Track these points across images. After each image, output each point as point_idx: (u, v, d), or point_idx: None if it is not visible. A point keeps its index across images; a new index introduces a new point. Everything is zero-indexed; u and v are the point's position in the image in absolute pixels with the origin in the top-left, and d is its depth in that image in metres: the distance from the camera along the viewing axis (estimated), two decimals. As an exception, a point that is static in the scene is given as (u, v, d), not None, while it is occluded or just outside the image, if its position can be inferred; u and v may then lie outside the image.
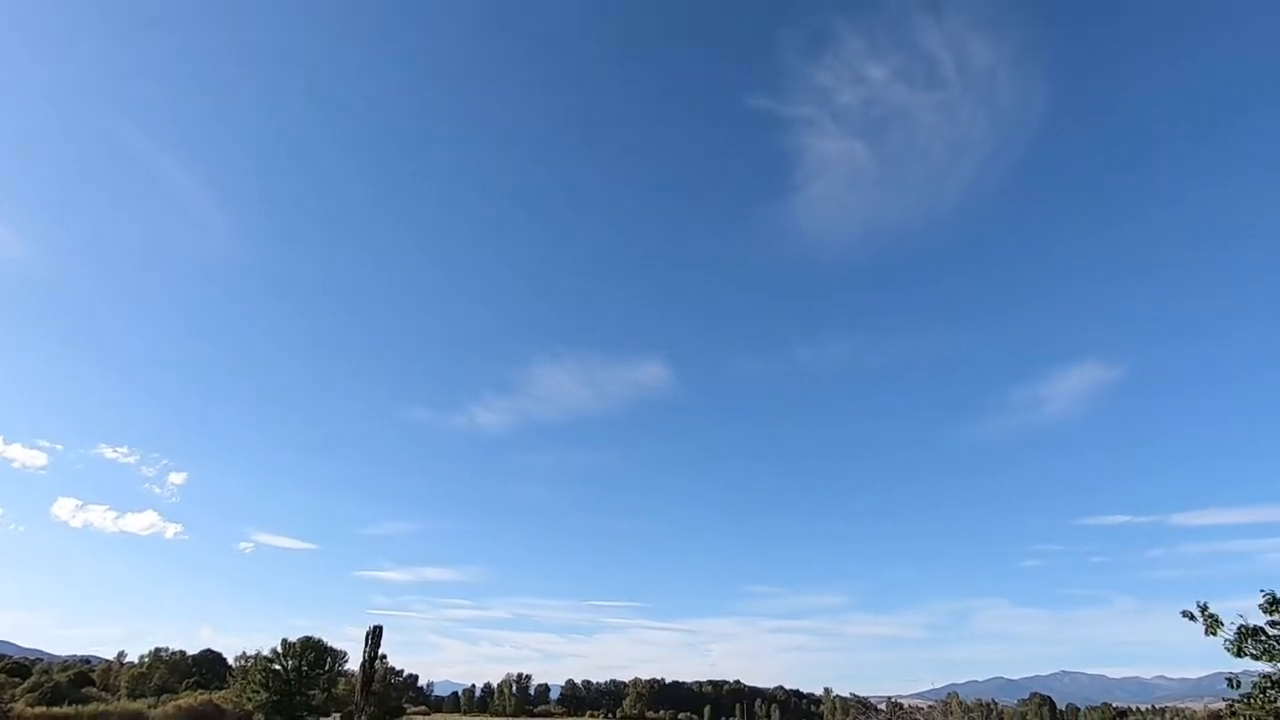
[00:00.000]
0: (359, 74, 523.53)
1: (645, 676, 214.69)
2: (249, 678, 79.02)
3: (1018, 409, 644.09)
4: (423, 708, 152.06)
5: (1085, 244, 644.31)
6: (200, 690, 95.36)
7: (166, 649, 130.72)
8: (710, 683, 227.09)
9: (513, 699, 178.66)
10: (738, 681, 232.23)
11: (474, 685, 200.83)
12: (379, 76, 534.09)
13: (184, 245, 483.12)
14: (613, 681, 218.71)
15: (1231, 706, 11.41)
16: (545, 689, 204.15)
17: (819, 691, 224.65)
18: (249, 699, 75.83)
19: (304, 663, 78.02)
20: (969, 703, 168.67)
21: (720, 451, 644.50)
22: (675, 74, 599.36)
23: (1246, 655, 10.86)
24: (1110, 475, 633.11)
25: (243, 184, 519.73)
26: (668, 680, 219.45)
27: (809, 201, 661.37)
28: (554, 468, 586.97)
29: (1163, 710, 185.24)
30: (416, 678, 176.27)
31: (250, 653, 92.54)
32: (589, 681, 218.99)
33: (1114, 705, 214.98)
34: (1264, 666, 10.82)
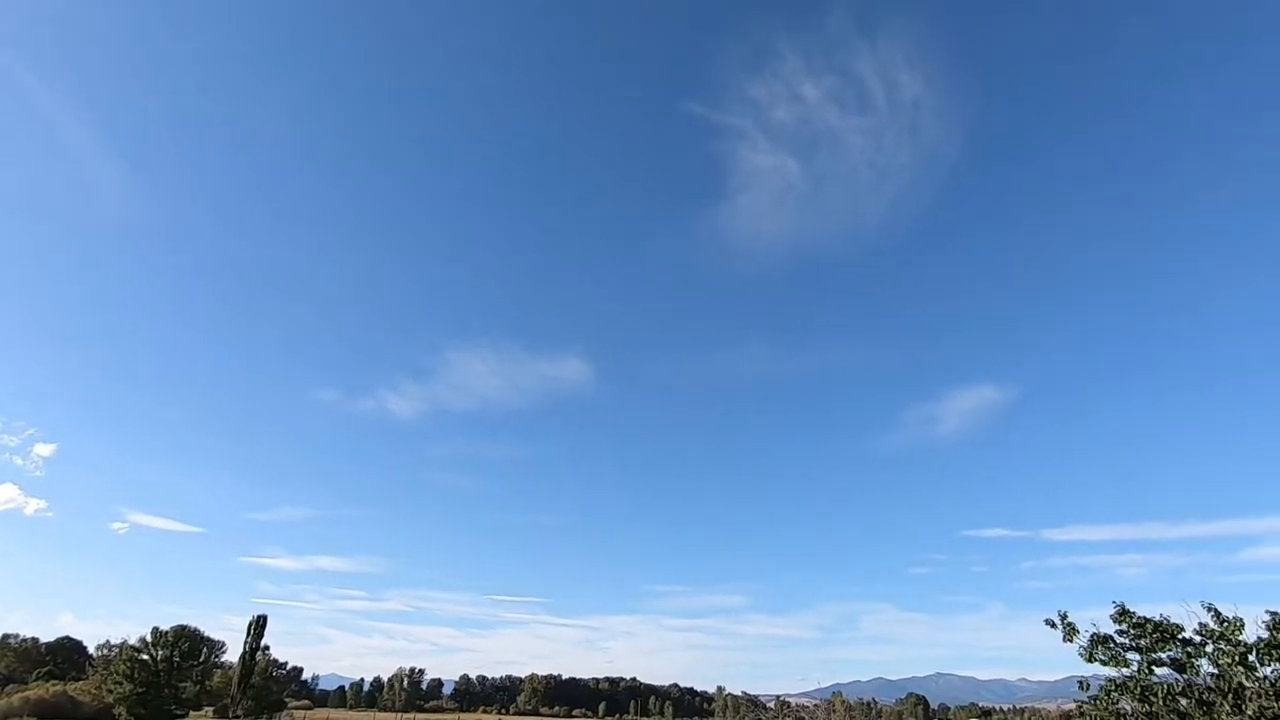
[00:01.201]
0: (292, 40, 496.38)
1: (542, 673, 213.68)
2: (111, 668, 73.20)
3: (915, 424, 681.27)
4: (305, 702, 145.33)
5: (991, 274, 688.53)
6: (53, 681, 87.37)
7: (16, 635, 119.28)
8: (607, 679, 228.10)
9: (403, 694, 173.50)
10: (634, 679, 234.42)
11: (363, 679, 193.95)
12: (312, 44, 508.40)
13: (73, 200, 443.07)
14: (508, 677, 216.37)
15: (1081, 707, 12.38)
16: (438, 684, 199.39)
17: (713, 690, 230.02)
18: (110, 691, 70.21)
19: (176, 653, 72.97)
20: (852, 702, 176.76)
21: (634, 451, 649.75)
22: (614, 72, 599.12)
23: (1097, 661, 11.86)
24: (993, 491, 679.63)
25: (146, 142, 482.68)
26: (564, 676, 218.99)
27: (738, 211, 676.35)
28: (464, 458, 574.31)
29: (1023, 710, 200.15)
30: (301, 670, 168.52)
31: (115, 641, 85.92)
32: (484, 677, 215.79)
33: (980, 705, 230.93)
34: (1110, 671, 11.82)
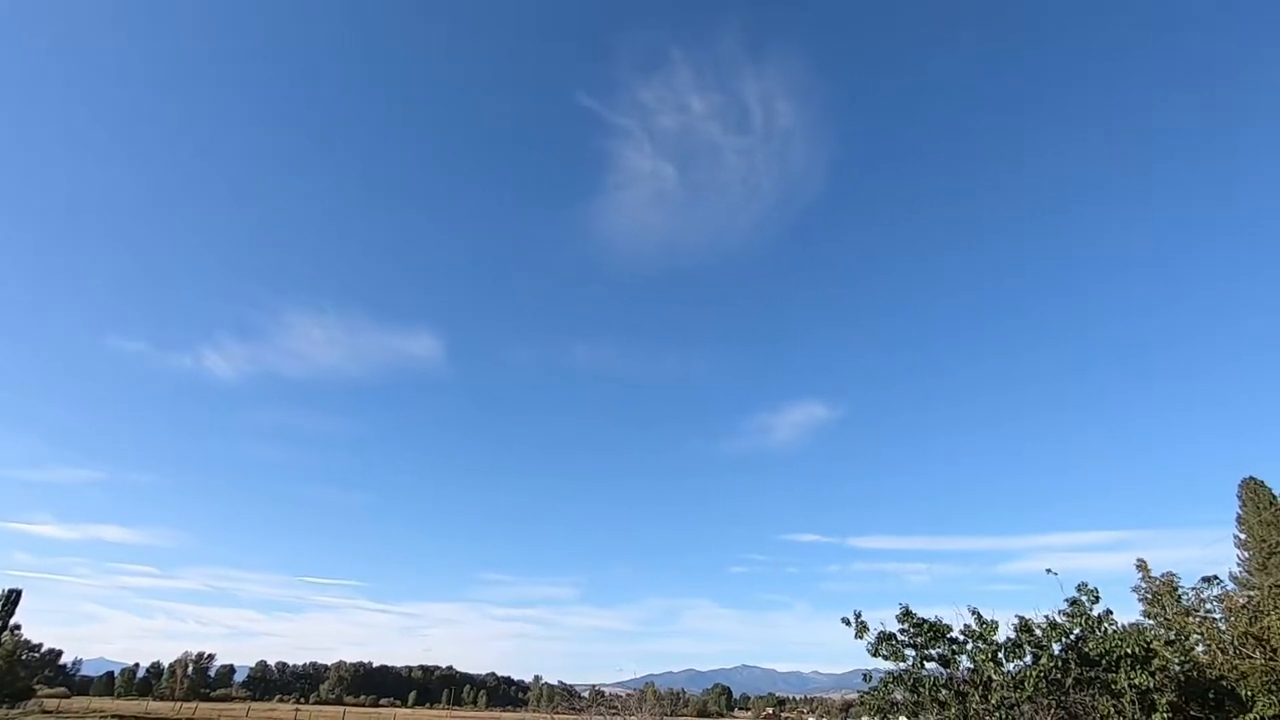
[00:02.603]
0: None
1: (351, 659, 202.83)
2: None
3: (753, 433, 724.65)
4: (63, 689, 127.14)
5: (834, 301, 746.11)
6: None
7: None
8: (421, 668, 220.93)
9: (185, 682, 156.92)
10: (450, 667, 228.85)
11: (137, 665, 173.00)
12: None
13: None
14: (312, 664, 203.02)
15: (861, 697, 13.76)
16: (230, 670, 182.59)
17: (529, 679, 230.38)
18: None
19: (-109, 631, 61.24)
20: (662, 692, 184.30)
21: (477, 436, 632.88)
22: (506, 49, 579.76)
23: (881, 656, 13.28)
24: (812, 499, 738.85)
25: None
26: (375, 664, 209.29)
27: (614, 209, 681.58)
28: (291, 429, 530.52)
29: (812, 699, 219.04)
30: (60, 654, 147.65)
31: None
32: (284, 664, 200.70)
33: (776, 695, 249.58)
34: (890, 665, 13.26)
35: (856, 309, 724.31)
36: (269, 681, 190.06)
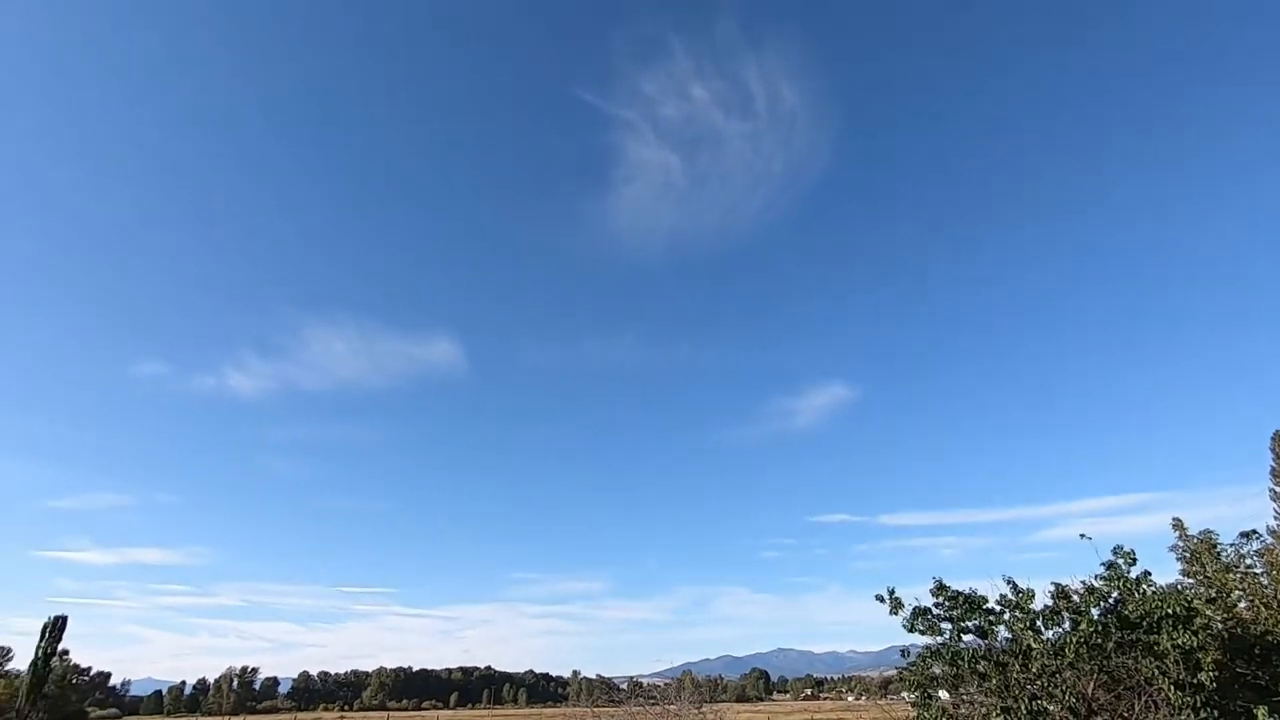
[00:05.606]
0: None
1: (391, 665, 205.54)
2: None
3: (774, 418, 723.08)
4: (114, 710, 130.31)
5: (845, 280, 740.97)
6: None
7: None
8: (460, 669, 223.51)
9: (232, 695, 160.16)
10: (489, 667, 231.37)
11: (184, 682, 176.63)
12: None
13: None
14: (354, 672, 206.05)
15: (901, 673, 13.67)
16: (274, 683, 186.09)
17: (568, 674, 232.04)
18: None
19: (-55, 663, 62.86)
20: (699, 679, 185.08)
21: (500, 437, 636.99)
22: (506, 49, 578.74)
23: (917, 631, 13.17)
24: (837, 479, 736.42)
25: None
26: (415, 668, 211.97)
27: (620, 202, 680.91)
28: (315, 442, 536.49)
29: (850, 679, 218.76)
30: (108, 676, 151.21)
31: None
32: (327, 673, 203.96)
33: (814, 676, 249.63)
34: (927, 640, 13.15)
35: (868, 286, 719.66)
36: (313, 691, 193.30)
